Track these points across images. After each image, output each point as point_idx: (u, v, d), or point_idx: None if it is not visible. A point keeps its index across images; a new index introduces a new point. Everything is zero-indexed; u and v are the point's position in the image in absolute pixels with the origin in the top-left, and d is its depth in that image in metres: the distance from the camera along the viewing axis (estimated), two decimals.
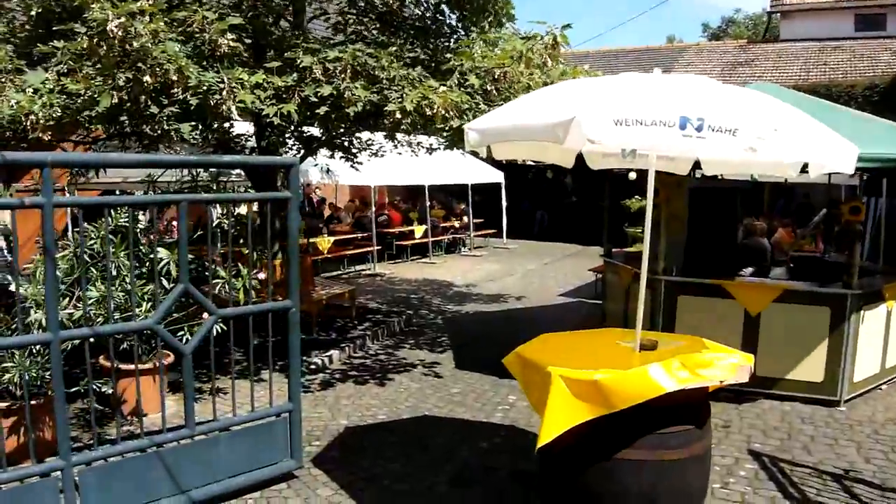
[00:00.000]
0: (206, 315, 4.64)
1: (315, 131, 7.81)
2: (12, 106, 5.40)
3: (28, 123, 5.38)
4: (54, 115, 5.43)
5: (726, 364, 3.74)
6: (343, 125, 7.00)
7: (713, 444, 4.32)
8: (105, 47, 5.10)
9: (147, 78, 5.17)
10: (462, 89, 5.95)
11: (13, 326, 4.77)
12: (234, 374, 4.85)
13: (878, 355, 6.85)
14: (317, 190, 16.31)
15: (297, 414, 4.88)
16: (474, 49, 6.26)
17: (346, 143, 8.71)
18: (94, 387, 4.70)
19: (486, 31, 6.96)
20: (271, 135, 7.14)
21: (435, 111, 5.65)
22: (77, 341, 4.35)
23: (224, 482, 4.49)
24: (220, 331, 4.80)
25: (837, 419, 6.13)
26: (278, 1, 7.08)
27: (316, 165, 11.47)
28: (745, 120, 3.61)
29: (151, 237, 5.47)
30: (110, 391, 5.23)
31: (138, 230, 6.13)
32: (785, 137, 3.66)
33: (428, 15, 7.91)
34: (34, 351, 4.94)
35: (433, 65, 6.86)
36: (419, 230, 16.67)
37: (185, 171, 7.27)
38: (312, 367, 7.41)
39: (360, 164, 9.43)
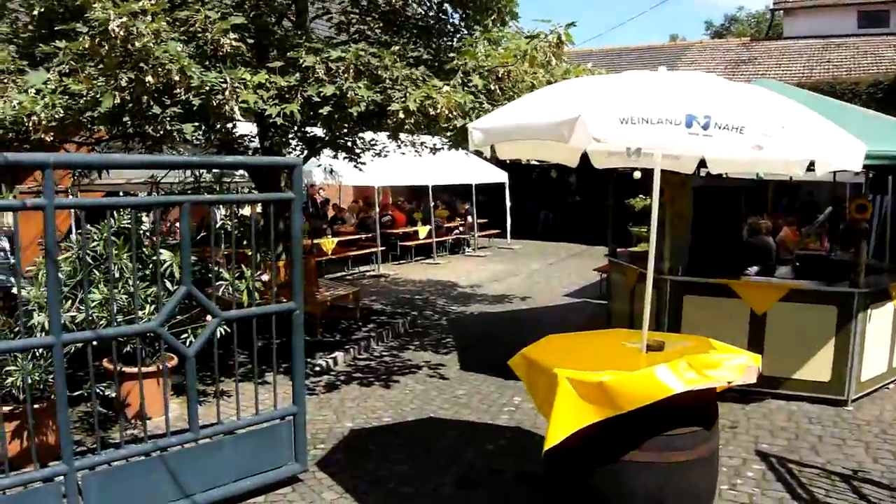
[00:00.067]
0: (209, 317, 4.62)
1: (318, 131, 7.79)
2: (14, 106, 5.38)
3: (30, 124, 5.36)
4: (56, 116, 5.41)
5: (734, 365, 3.70)
6: (346, 125, 6.97)
7: (720, 445, 4.28)
8: (107, 47, 5.08)
9: (149, 78, 5.15)
10: (465, 89, 5.92)
11: (16, 329, 4.75)
12: (237, 377, 4.83)
13: (885, 354, 6.81)
14: (320, 191, 16.30)
15: (302, 417, 4.85)
16: (478, 48, 6.22)
17: (349, 144, 8.70)
18: (98, 390, 4.68)
19: (489, 30, 6.93)
20: (274, 135, 7.12)
21: (439, 111, 5.62)
22: (80, 344, 4.33)
23: (228, 486, 4.47)
24: (223, 333, 4.78)
25: (845, 419, 6.08)
26: (281, 0, 7.06)
27: (319, 166, 11.46)
28: (753, 117, 3.56)
29: (154, 239, 5.45)
30: (113, 394, 5.21)
31: (142, 232, 6.11)
32: (792, 135, 3.61)
33: (431, 14, 7.90)
34: (37, 354, 4.92)
35: (436, 64, 6.84)
36: (423, 231, 16.64)
37: (189, 172, 7.26)
38: (317, 369, 7.39)
39: (364, 164, 9.41)
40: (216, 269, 5.14)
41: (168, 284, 5.46)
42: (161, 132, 6.25)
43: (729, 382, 3.70)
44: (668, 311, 6.75)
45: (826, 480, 4.88)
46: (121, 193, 9.14)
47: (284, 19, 7.47)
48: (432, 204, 16.62)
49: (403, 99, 5.73)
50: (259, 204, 6.56)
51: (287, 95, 5.83)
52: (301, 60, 5.81)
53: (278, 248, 7.15)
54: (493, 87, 6.04)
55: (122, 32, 4.94)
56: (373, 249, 14.74)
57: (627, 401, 3.44)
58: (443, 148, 9.67)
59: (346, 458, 5.25)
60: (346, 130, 7.70)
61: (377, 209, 15.45)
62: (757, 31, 34.55)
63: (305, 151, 7.96)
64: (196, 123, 6.11)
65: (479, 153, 6.29)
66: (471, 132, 4.40)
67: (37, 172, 3.98)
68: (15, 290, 4.95)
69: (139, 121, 6.13)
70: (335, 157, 9.10)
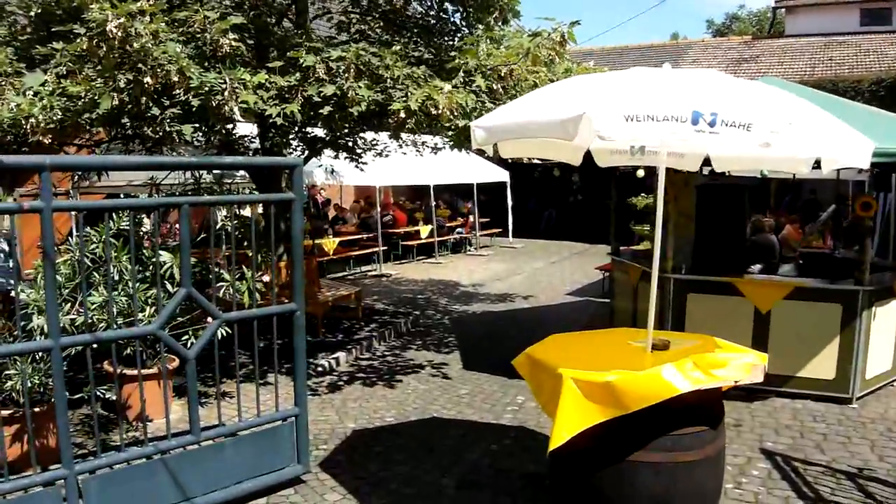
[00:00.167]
0: (209, 319, 4.58)
1: (319, 132, 7.76)
2: (12, 109, 5.34)
3: (28, 127, 5.32)
4: (55, 118, 5.37)
5: (740, 364, 3.68)
6: (347, 125, 6.94)
7: (725, 444, 4.25)
8: (105, 48, 5.04)
9: (148, 79, 5.11)
10: (468, 89, 5.88)
11: (15, 333, 4.72)
12: (239, 379, 4.80)
13: (889, 352, 6.77)
14: (321, 191, 16.28)
15: (304, 418, 4.82)
16: (479, 47, 6.19)
17: (350, 144, 8.67)
18: (98, 393, 4.64)
19: (491, 29, 6.89)
20: (275, 136, 7.08)
21: (440, 111, 5.58)
22: (80, 347, 4.29)
23: (230, 488, 4.43)
24: (224, 334, 4.74)
25: (850, 417, 6.05)
26: (280, 0, 7.03)
27: (320, 166, 11.44)
28: (760, 114, 3.53)
29: (154, 240, 5.42)
30: (114, 397, 5.18)
31: (142, 233, 6.08)
32: (799, 131, 3.58)
33: (432, 13, 7.87)
34: (36, 357, 4.89)
35: (438, 63, 6.81)
36: (425, 230, 16.62)
37: (189, 174, 7.23)
38: (319, 369, 7.36)
39: (365, 164, 9.39)
40: (217, 270, 5.10)
41: (168, 286, 5.43)
42: (160, 133, 6.21)
43: (736, 382, 3.68)
44: (671, 309, 6.72)
45: (831, 478, 4.84)
46: (121, 195, 9.12)
47: (284, 19, 7.44)
48: (434, 203, 16.60)
49: (405, 98, 5.70)
50: (260, 204, 6.54)
51: (287, 95, 5.79)
52: (301, 60, 5.77)
53: (279, 249, 7.12)
54: (495, 87, 6.01)
55: (120, 33, 4.90)
56: (374, 249, 14.72)
57: (633, 401, 3.41)
58: (444, 147, 9.63)
59: (348, 459, 5.22)
60: (346, 130, 7.67)
61: (378, 209, 15.43)
62: (759, 30, 34.52)
63: (306, 152, 7.93)
64: (196, 124, 6.07)
65: (481, 152, 6.26)
66: (473, 130, 4.37)
67: (36, 175, 3.94)
68: (14, 294, 4.93)
69: (138, 122, 6.09)
70: (336, 157, 9.07)
